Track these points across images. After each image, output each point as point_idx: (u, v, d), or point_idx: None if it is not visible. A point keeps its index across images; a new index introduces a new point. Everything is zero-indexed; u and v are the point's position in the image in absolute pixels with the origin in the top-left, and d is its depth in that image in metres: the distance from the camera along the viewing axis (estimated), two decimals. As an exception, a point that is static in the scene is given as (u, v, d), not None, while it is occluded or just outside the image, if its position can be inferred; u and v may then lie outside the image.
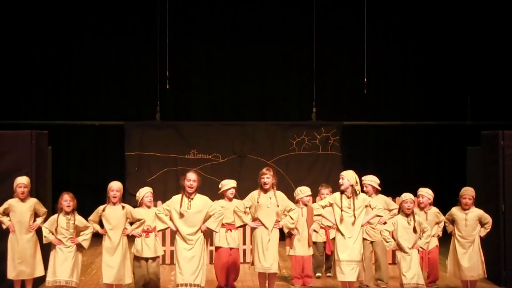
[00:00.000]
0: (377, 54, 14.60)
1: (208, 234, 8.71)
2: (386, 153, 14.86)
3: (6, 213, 8.87)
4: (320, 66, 14.18)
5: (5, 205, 8.90)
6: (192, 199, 8.46)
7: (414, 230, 8.76)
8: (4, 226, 8.87)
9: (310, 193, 9.86)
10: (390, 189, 9.95)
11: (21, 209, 8.86)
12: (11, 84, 14.61)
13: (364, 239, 9.67)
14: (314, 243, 10.02)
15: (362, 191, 9.02)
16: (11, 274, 8.85)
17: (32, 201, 8.95)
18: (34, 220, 8.89)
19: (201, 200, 8.52)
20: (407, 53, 15.07)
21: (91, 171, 14.65)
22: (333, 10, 14.66)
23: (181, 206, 8.43)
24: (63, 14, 14.57)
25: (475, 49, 14.84)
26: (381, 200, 9.47)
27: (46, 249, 8.95)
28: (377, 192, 9.61)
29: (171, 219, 8.47)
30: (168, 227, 8.62)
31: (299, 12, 14.64)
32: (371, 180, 9.56)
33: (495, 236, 9.64)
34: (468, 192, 9.07)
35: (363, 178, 9.41)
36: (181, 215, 8.41)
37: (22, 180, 8.90)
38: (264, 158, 13.74)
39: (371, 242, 9.68)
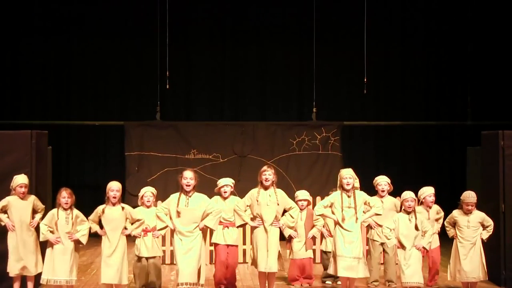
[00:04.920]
0: (377, 54, 14.59)
1: (205, 233, 8.70)
2: (386, 153, 14.85)
3: (4, 210, 8.81)
4: (320, 66, 14.18)
5: (3, 202, 8.82)
6: (190, 197, 8.47)
7: (416, 228, 8.79)
8: (2, 224, 8.82)
9: (307, 197, 9.76)
10: (390, 189, 9.94)
11: (22, 207, 8.83)
12: (11, 84, 14.61)
13: (374, 240, 9.69)
14: (325, 253, 9.87)
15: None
16: (12, 270, 8.78)
17: (31, 198, 8.93)
18: (33, 217, 8.84)
19: (199, 198, 8.52)
20: (407, 53, 15.05)
21: (91, 171, 14.64)
22: (333, 10, 14.65)
23: (178, 204, 8.43)
24: (63, 14, 14.56)
25: (475, 49, 14.82)
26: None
27: (45, 246, 8.93)
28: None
29: (170, 218, 8.49)
30: (167, 226, 8.61)
31: (299, 12, 14.63)
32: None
33: (495, 236, 9.62)
34: (470, 200, 9.01)
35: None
36: (179, 213, 8.41)
37: (23, 180, 8.86)
38: (264, 158, 13.72)
39: (382, 244, 9.69)
